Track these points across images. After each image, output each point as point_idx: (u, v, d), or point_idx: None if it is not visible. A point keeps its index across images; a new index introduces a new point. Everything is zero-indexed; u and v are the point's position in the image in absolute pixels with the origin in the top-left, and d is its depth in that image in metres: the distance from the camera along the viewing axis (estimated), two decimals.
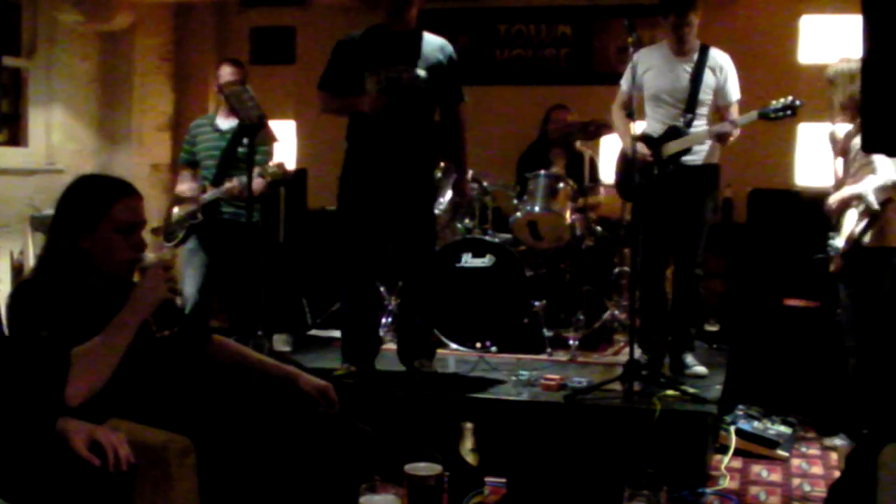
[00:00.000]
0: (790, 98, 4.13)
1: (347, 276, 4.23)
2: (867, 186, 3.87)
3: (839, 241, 4.01)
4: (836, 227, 4.06)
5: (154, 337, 2.35)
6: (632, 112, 4.13)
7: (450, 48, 4.17)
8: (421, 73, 4.04)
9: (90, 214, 2.30)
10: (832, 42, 6.22)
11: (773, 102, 4.15)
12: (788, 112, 4.12)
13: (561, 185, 5.12)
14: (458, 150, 4.32)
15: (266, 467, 2.22)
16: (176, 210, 5.00)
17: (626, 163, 4.30)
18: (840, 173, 4.21)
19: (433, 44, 4.14)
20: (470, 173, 5.25)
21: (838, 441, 4.21)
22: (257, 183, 4.62)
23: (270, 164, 4.70)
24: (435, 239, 4.45)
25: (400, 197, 4.12)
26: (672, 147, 4.31)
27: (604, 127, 5.04)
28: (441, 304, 4.97)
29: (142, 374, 2.27)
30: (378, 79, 4.03)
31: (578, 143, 5.45)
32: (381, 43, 4.09)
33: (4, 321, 2.25)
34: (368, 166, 4.14)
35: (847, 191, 3.98)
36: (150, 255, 2.40)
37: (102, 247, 2.31)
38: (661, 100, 4.39)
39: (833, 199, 4.06)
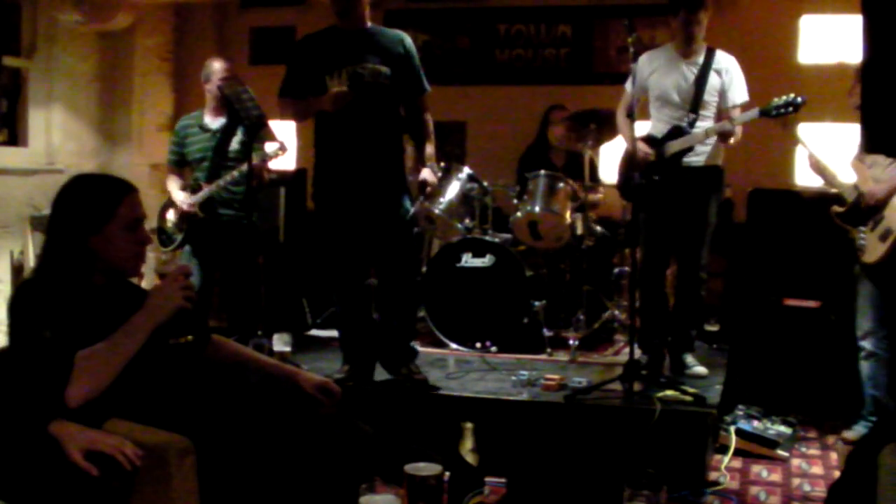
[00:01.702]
0: (792, 95, 4.11)
1: (335, 278, 4.20)
2: None
3: (894, 224, 3.95)
4: (876, 220, 4.04)
5: (168, 344, 2.34)
6: (631, 113, 4.12)
7: (408, 40, 4.11)
8: (383, 68, 3.98)
9: (98, 215, 2.31)
10: (832, 42, 6.23)
11: (775, 100, 4.13)
12: (790, 109, 4.09)
13: (561, 185, 5.12)
14: (422, 142, 4.20)
15: (266, 467, 2.22)
16: (169, 215, 4.99)
17: (630, 164, 4.30)
18: (860, 172, 4.20)
19: (391, 38, 4.07)
20: (465, 171, 5.25)
21: (853, 433, 4.23)
22: (257, 165, 4.61)
23: (269, 149, 4.69)
24: (411, 237, 4.30)
25: (371, 195, 4.03)
26: (673, 146, 4.31)
27: (604, 125, 5.02)
28: (441, 304, 4.98)
29: (143, 375, 2.27)
30: (339, 78, 3.95)
31: (579, 144, 5.44)
32: (338, 43, 4.02)
33: (6, 321, 2.24)
34: (338, 167, 4.05)
35: None
36: (171, 263, 2.40)
37: (111, 246, 2.31)
38: (665, 101, 4.39)
39: (880, 189, 4.03)
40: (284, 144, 4.77)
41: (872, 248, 4.06)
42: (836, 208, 4.27)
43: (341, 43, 4.00)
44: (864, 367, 4.20)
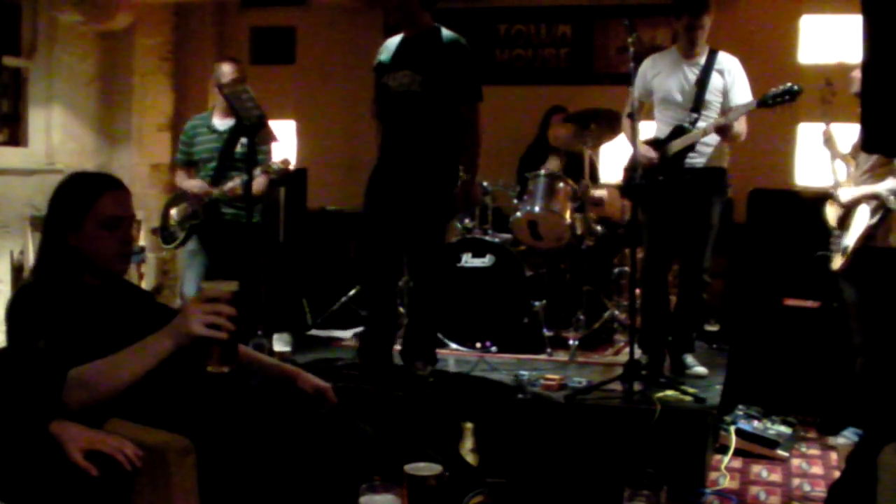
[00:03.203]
0: (788, 84, 4.08)
1: (365, 279, 4.30)
2: (886, 186, 3.90)
3: (849, 239, 4.00)
4: (844, 225, 4.06)
5: (203, 371, 2.16)
6: (632, 113, 4.12)
7: (458, 46, 4.10)
8: (417, 76, 4.04)
9: (74, 211, 2.27)
10: (832, 42, 6.23)
11: (772, 90, 4.10)
12: (787, 98, 4.05)
13: (561, 185, 5.12)
14: (465, 153, 4.15)
15: (266, 467, 2.21)
16: (173, 212, 4.99)
17: (633, 165, 4.28)
18: (840, 173, 4.22)
19: (439, 44, 4.09)
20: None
21: (841, 440, 4.22)
22: (259, 182, 4.66)
23: (274, 161, 4.74)
24: (441, 244, 4.34)
25: (404, 202, 4.13)
26: (675, 145, 4.30)
27: (604, 126, 5.03)
28: (441, 303, 4.97)
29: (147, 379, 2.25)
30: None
31: (579, 144, 5.44)
32: (395, 52, 4.17)
33: (4, 327, 2.23)
34: (379, 172, 4.24)
35: (864, 189, 3.99)
36: (218, 284, 2.23)
37: (90, 244, 2.27)
38: (668, 102, 4.40)
39: (847, 196, 4.05)
40: (288, 160, 4.85)
41: (836, 256, 4.11)
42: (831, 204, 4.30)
43: (396, 52, 4.17)
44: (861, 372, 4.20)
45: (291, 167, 4.99)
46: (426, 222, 4.16)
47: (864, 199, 4.00)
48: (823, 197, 4.39)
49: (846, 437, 4.23)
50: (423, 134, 4.09)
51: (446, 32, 4.14)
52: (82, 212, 2.27)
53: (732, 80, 4.34)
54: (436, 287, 4.28)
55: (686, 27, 4.30)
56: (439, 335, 4.94)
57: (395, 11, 4.14)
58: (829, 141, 4.29)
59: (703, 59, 4.36)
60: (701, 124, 4.30)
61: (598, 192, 5.48)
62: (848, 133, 4.28)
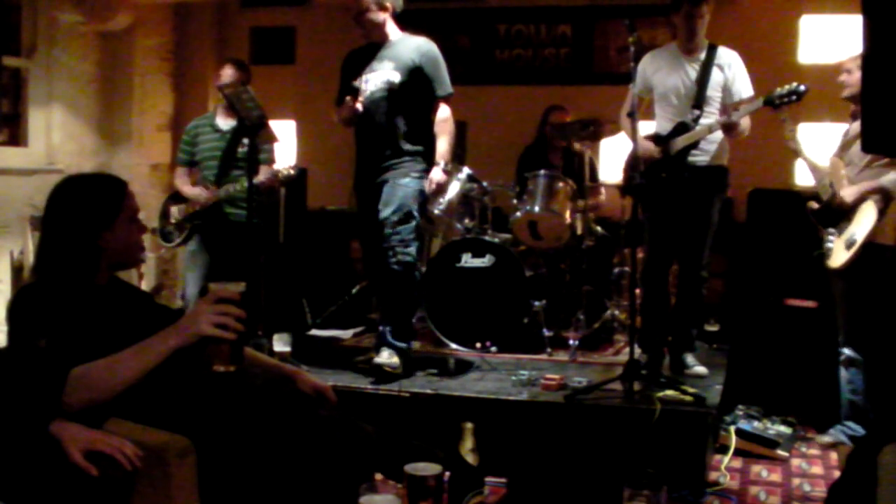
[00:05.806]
0: (794, 84, 4.07)
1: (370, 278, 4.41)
2: (891, 178, 3.90)
3: (858, 234, 3.97)
4: (845, 221, 4.05)
5: (212, 371, 2.17)
6: (632, 112, 4.11)
7: (426, 47, 4.25)
8: (392, 78, 4.17)
9: (110, 210, 2.35)
10: (832, 42, 6.23)
11: (778, 89, 4.09)
12: (794, 97, 4.04)
13: (561, 185, 5.12)
14: (436, 142, 4.28)
15: (266, 467, 2.22)
16: (174, 210, 5.00)
17: (633, 164, 4.28)
18: (836, 170, 4.22)
19: (409, 46, 4.23)
20: (465, 171, 5.24)
21: (827, 438, 4.24)
22: (270, 178, 4.71)
23: (286, 167, 4.81)
24: (396, 239, 4.23)
25: (367, 196, 4.28)
26: (679, 142, 4.30)
27: (604, 127, 5.04)
28: (441, 304, 4.98)
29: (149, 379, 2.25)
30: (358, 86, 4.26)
31: (577, 145, 5.45)
32: (364, 55, 4.31)
33: (6, 326, 2.23)
34: (355, 173, 4.36)
35: (868, 184, 3.99)
36: (228, 285, 2.26)
37: (122, 239, 2.37)
38: (669, 99, 4.40)
39: (849, 193, 4.04)
40: (296, 166, 4.95)
41: (837, 253, 4.07)
42: (813, 205, 4.28)
43: (367, 54, 4.31)
44: (844, 372, 4.19)
45: (294, 171, 5.05)
46: (382, 214, 4.23)
47: (868, 195, 3.99)
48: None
49: (832, 435, 4.24)
50: (393, 127, 4.21)
51: (411, 37, 4.29)
52: (116, 209, 2.36)
53: (733, 74, 4.34)
54: (400, 292, 4.29)
55: (686, 16, 4.29)
56: (439, 335, 4.95)
57: (368, 25, 4.23)
58: (796, 150, 4.33)
59: (702, 55, 4.36)
60: (704, 121, 4.30)
61: (594, 200, 5.47)
62: (833, 133, 4.29)
